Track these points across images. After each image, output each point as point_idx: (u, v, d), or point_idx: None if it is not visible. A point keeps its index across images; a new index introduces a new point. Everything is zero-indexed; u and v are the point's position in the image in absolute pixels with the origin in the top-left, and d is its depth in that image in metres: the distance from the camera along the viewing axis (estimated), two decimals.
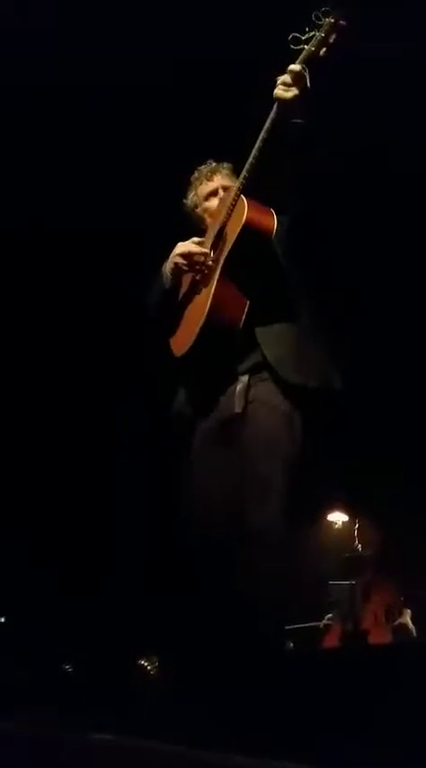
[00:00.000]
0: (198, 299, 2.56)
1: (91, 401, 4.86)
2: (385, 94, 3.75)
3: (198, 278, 2.57)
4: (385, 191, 4.16)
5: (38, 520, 4.78)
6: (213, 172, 2.71)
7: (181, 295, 2.63)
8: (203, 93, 3.87)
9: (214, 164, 2.74)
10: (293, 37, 2.33)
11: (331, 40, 2.29)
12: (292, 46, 2.33)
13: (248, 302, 2.42)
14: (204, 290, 2.53)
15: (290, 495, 2.31)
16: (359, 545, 4.72)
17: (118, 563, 4.85)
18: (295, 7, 2.39)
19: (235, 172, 2.64)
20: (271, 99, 2.36)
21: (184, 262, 2.55)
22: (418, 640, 4.12)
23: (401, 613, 4.27)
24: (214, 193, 2.68)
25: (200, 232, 2.66)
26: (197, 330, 2.48)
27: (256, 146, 2.41)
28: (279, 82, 2.33)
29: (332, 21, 2.28)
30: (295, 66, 2.31)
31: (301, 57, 2.32)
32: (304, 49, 2.31)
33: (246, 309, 2.42)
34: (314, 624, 4.55)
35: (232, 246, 2.42)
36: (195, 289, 2.59)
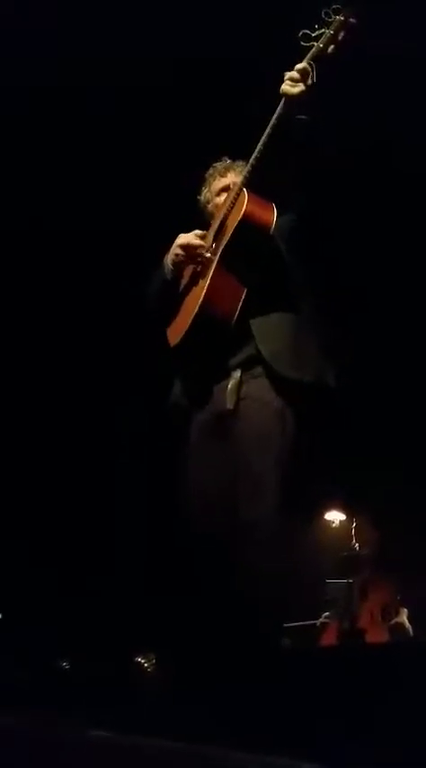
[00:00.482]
0: (195, 290, 2.57)
1: (91, 401, 4.87)
2: (391, 92, 3.76)
3: (198, 269, 2.58)
4: (389, 188, 4.17)
5: (37, 519, 4.78)
6: (227, 168, 2.73)
7: (182, 287, 2.64)
8: (203, 93, 3.88)
9: (228, 161, 2.76)
10: (303, 33, 2.35)
11: (340, 38, 2.31)
12: (302, 42, 2.35)
13: (245, 295, 2.43)
14: (201, 281, 2.54)
15: (283, 491, 2.31)
16: (357, 544, 4.73)
17: (117, 562, 4.86)
18: (295, 7, 2.41)
19: None
20: (272, 98, 2.38)
21: (183, 253, 2.57)
22: (415, 639, 4.13)
23: (397, 612, 4.28)
24: (226, 189, 2.69)
25: (209, 226, 2.67)
26: (190, 321, 2.49)
27: (261, 141, 2.42)
28: (286, 77, 2.36)
29: (343, 18, 2.31)
30: (302, 63, 2.33)
31: (310, 53, 2.34)
32: (313, 45, 2.33)
33: (242, 302, 2.42)
34: (311, 622, 4.56)
35: (229, 238, 2.44)
36: (195, 280, 2.60)
